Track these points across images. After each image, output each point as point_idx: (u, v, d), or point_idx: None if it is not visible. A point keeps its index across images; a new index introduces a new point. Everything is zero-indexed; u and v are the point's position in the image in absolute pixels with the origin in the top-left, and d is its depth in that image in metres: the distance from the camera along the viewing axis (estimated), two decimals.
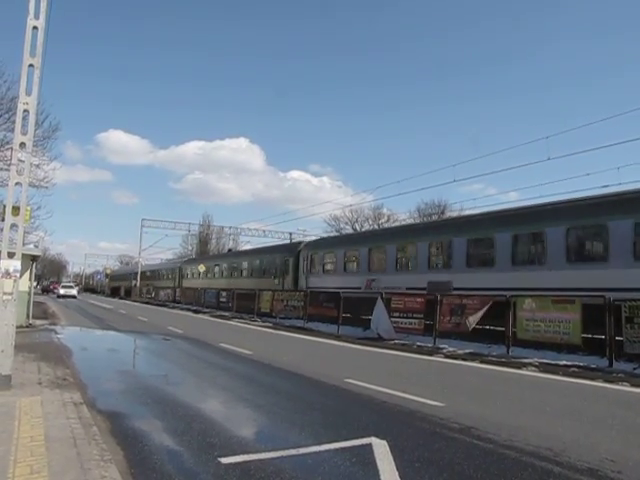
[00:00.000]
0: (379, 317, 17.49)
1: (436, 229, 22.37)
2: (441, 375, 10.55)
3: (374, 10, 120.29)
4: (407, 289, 18.71)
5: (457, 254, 18.35)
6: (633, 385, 9.27)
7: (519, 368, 11.18)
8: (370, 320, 17.84)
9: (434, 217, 48.56)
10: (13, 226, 7.28)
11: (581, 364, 11.33)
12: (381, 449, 4.87)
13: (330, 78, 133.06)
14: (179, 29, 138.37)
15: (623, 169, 41.68)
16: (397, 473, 4.24)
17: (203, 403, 7.32)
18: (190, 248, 77.09)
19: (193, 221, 69.93)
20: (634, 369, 10.72)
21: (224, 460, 4.52)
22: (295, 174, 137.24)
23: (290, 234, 58.73)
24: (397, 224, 49.48)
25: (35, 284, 33.48)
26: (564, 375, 10.34)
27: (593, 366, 11.13)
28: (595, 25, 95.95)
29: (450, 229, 20.26)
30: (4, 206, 7.27)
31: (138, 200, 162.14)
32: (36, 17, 7.57)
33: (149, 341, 16.05)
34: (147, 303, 46.41)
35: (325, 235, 52.72)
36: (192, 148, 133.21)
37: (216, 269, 42.43)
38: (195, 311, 33.38)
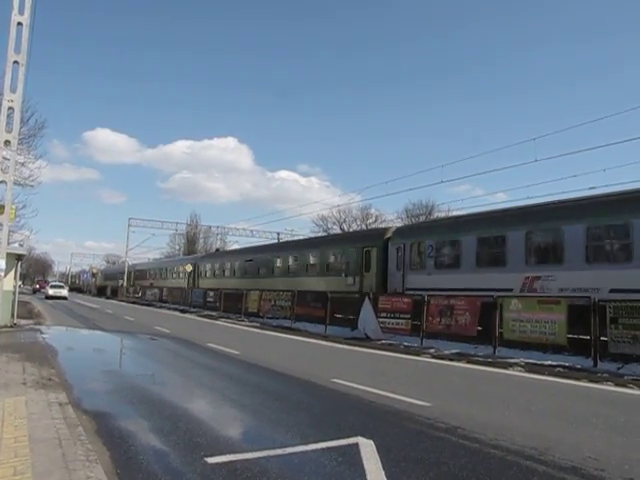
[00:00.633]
0: (366, 317, 17.52)
1: None
2: (428, 375, 10.60)
3: (363, 10, 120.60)
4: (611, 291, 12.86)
5: None
6: (617, 385, 9.38)
7: (505, 368, 11.25)
8: (357, 320, 17.86)
9: (422, 218, 48.68)
10: None
11: (566, 364, 11.43)
12: (368, 449, 4.88)
13: (319, 78, 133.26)
14: (167, 28, 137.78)
15: (609, 171, 42.11)
16: (383, 472, 4.25)
17: (190, 403, 7.29)
18: (177, 248, 76.76)
19: (181, 220, 69.64)
20: (618, 369, 10.84)
21: (210, 460, 4.51)
22: (283, 174, 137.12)
23: (278, 234, 58.69)
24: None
25: (20, 283, 33.11)
26: (550, 375, 10.43)
27: (578, 366, 11.23)
28: (582, 27, 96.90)
29: None
30: None
31: (125, 199, 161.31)
32: (20, 13, 7.51)
33: (136, 341, 15.94)
34: (134, 303, 46.09)
35: (312, 235, 52.42)
36: (180, 147, 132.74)
37: (247, 266, 34.01)
38: (182, 311, 33.23)
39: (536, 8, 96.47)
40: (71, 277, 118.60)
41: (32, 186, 24.52)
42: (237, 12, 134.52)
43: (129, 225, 58.87)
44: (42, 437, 4.80)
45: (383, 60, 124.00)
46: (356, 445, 5.00)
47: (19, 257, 17.29)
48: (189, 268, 42.64)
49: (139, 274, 59.76)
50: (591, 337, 11.66)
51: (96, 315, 27.93)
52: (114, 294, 61.00)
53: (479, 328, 14.22)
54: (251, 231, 60.28)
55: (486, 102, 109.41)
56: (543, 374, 10.50)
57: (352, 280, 22.63)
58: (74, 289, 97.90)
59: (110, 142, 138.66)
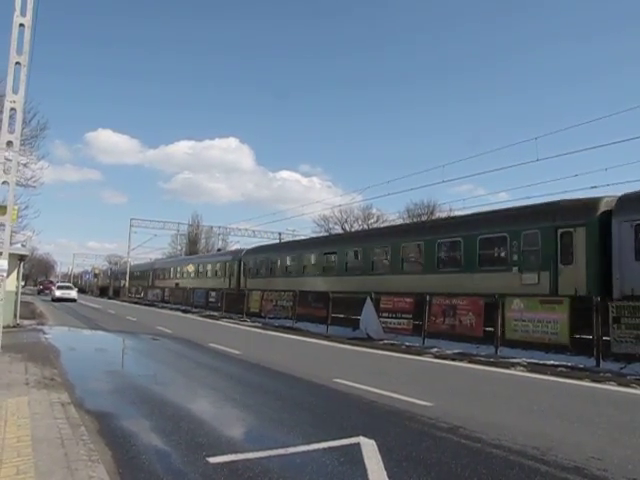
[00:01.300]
0: (368, 317, 17.51)
1: None
2: (430, 375, 10.59)
3: (363, 11, 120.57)
4: None
5: None
6: (620, 385, 9.35)
7: (507, 368, 11.24)
8: (359, 320, 17.86)
9: (423, 217, 48.59)
10: (0, 225, 7.23)
11: (569, 364, 11.41)
12: (369, 448, 4.88)
13: (320, 79, 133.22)
14: (169, 29, 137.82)
15: (611, 170, 41.95)
16: (385, 472, 4.25)
17: (191, 403, 7.30)
18: (179, 248, 76.82)
19: (182, 221, 69.65)
20: (621, 369, 10.81)
21: (212, 460, 4.51)
22: (285, 174, 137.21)
23: (279, 234, 58.69)
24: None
25: (23, 284, 33.09)
26: (552, 375, 10.41)
27: (581, 366, 11.21)
28: (582, 27, 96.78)
29: None
30: None
31: (127, 200, 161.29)
32: (22, 14, 7.53)
33: (138, 341, 15.96)
34: (136, 303, 46.13)
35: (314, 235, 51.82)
36: (182, 148, 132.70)
37: (332, 260, 25.35)
38: (184, 311, 33.23)
39: (536, 8, 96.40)
40: (73, 277, 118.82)
41: (34, 187, 24.55)
42: (239, 13, 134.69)
43: (131, 225, 58.94)
44: (44, 437, 4.80)
45: (384, 60, 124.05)
46: (358, 445, 5.00)
47: (21, 258, 17.34)
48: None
49: (160, 273, 52.95)
50: (594, 337, 11.62)
51: (98, 315, 27.97)
52: (116, 294, 61.08)
53: (485, 329, 14.06)
54: (253, 231, 60.37)
55: (486, 102, 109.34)
56: (545, 374, 10.48)
57: (535, 277, 15.44)
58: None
59: (112, 143, 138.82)
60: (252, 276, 32.36)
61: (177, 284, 44.49)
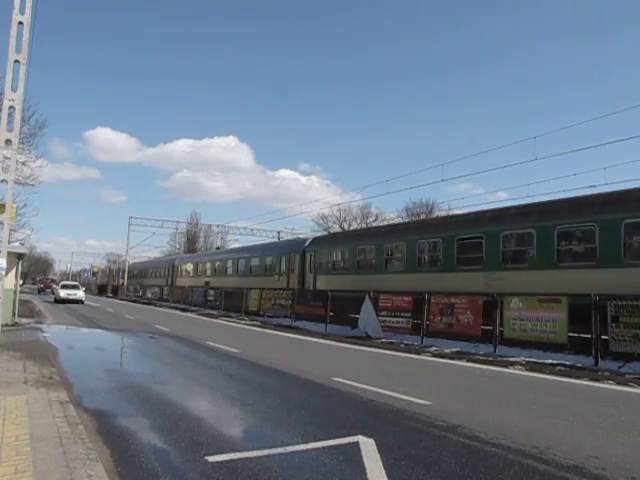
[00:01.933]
0: (367, 316, 17.51)
1: None
2: (428, 374, 10.59)
3: (363, 9, 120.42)
4: None
5: None
6: (618, 383, 9.36)
7: (506, 367, 11.24)
8: (358, 319, 17.86)
9: (422, 216, 48.56)
10: None
11: (567, 363, 11.42)
12: (368, 447, 4.88)
13: (319, 77, 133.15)
14: (167, 27, 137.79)
15: (609, 169, 41.96)
16: (384, 471, 4.25)
17: (190, 401, 7.30)
18: (178, 246, 76.82)
19: (181, 219, 69.61)
20: (619, 367, 10.83)
21: (211, 458, 4.51)
22: (284, 172, 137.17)
23: (278, 232, 58.65)
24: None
25: (21, 282, 32.94)
26: (550, 374, 10.41)
27: (579, 365, 11.23)
28: (582, 26, 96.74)
29: None
30: None
31: (126, 198, 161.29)
32: (21, 12, 7.51)
33: (136, 339, 15.95)
34: (134, 301, 46.12)
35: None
36: (181, 146, 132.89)
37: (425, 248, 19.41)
38: (183, 309, 33.24)
39: (537, 7, 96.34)
40: (72, 276, 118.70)
41: (33, 185, 24.57)
42: (237, 11, 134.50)
43: (130, 224, 58.94)
44: (43, 435, 4.80)
45: (383, 59, 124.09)
46: (357, 444, 5.00)
47: (20, 256, 17.31)
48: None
49: (184, 270, 45.23)
50: (592, 335, 11.64)
51: (96, 314, 27.94)
52: (115, 293, 61.07)
53: (484, 327, 14.12)
54: (252, 230, 60.37)
55: (486, 101, 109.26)
56: (544, 373, 10.49)
57: None
58: None
59: (111, 141, 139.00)
60: (326, 272, 24.74)
61: (207, 282, 37.98)
